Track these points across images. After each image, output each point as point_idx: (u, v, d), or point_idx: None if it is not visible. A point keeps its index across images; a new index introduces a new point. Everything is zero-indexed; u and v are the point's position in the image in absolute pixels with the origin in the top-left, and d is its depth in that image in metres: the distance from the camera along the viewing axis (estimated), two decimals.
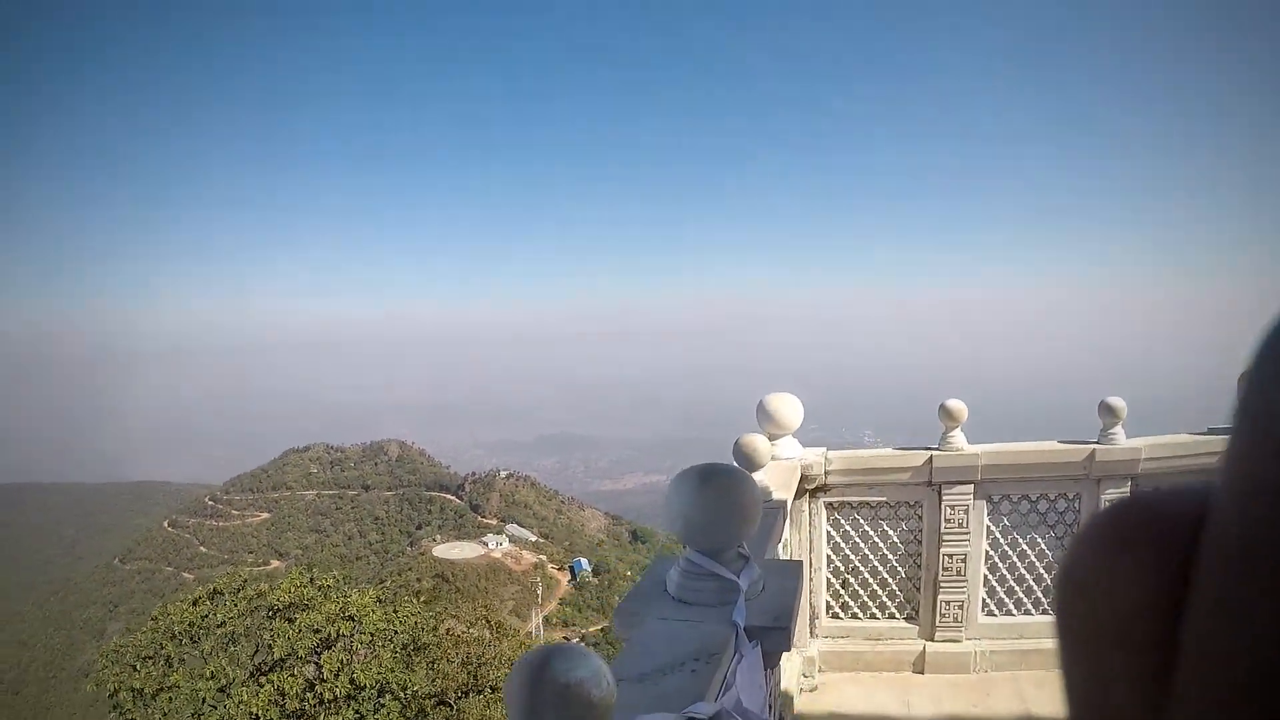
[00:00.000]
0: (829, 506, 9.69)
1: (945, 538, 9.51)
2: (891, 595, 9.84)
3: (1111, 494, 9.32)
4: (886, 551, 9.75)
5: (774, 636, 4.00)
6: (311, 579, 21.08)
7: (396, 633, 20.22)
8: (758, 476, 7.15)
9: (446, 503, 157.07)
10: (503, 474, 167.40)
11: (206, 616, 19.54)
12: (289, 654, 18.78)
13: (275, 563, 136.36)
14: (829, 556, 9.78)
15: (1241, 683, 0.74)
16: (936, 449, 9.56)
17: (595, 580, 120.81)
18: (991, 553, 9.72)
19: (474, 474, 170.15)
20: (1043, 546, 9.63)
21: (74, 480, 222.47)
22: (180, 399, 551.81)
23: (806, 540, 9.52)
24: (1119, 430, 9.56)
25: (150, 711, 17.98)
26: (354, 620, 19.63)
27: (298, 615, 19.49)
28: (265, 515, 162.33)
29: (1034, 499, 9.63)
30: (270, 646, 19.22)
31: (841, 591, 9.86)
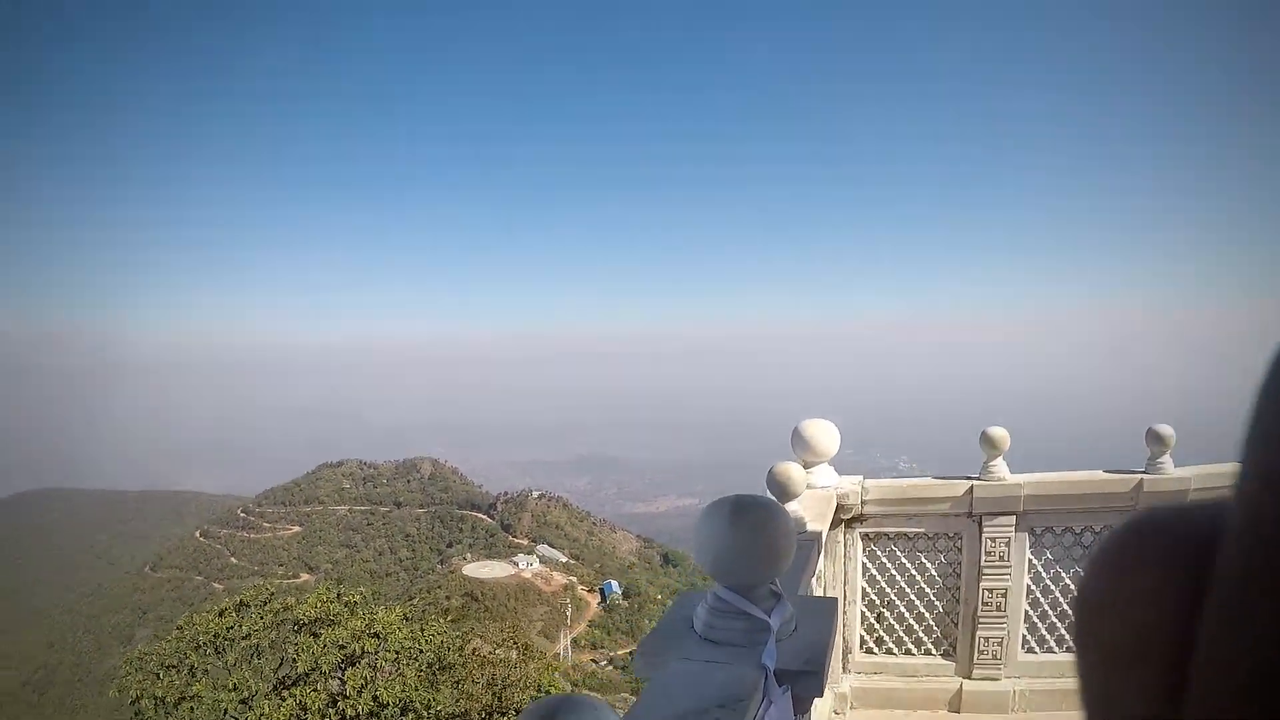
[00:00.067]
0: (865, 537, 9.39)
1: (985, 571, 9.17)
2: (928, 630, 9.51)
3: None
4: (924, 585, 9.43)
5: (806, 681, 3.72)
6: (338, 595, 20.98)
7: (422, 651, 20.02)
8: (792, 507, 6.89)
9: (478, 521, 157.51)
10: (535, 494, 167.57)
11: (232, 628, 19.50)
12: (312, 669, 18.65)
13: (305, 576, 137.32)
14: (864, 589, 9.46)
15: (1243, 684, 0.79)
16: (977, 478, 9.25)
17: (625, 603, 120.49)
18: (1033, 587, 9.37)
19: (506, 493, 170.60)
20: None
21: (111, 487, 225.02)
22: (219, 411, 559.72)
23: (841, 572, 9.23)
24: (1167, 459, 9.22)
25: None
26: (379, 637, 19.48)
27: (323, 630, 19.39)
28: (297, 529, 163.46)
29: (1078, 531, 9.29)
30: (294, 660, 19.07)
31: (876, 626, 9.54)
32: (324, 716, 18.17)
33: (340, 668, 19.11)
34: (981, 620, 9.22)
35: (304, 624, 19.89)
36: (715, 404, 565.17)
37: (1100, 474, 9.41)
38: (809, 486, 8.12)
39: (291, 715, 17.69)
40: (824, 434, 8.69)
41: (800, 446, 8.67)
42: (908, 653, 9.56)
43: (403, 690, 18.75)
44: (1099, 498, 9.20)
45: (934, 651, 9.54)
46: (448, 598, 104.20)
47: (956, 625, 9.42)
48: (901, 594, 9.44)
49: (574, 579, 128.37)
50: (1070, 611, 9.15)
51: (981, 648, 9.28)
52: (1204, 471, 9.24)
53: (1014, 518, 9.14)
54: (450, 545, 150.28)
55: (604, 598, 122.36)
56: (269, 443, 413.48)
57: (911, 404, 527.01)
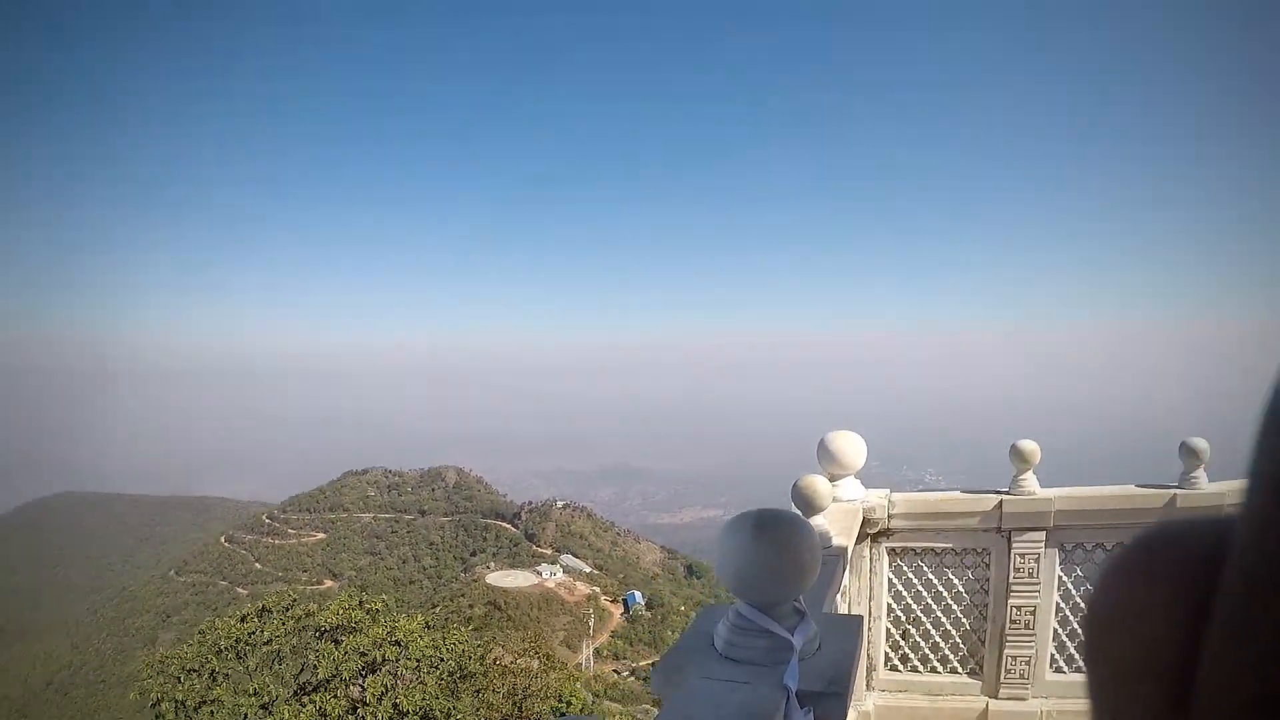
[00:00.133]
0: (891, 552, 9.22)
1: (1014, 588, 8.98)
2: (954, 648, 9.33)
3: None
4: (950, 601, 9.25)
5: (828, 703, 3.57)
6: (360, 602, 20.96)
7: (443, 659, 19.96)
8: (817, 521, 6.75)
9: (502, 530, 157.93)
10: (559, 504, 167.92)
11: (253, 633, 19.53)
12: (333, 675, 18.67)
13: (329, 583, 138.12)
14: (889, 605, 9.29)
15: (1246, 699, 0.81)
16: (1007, 493, 9.06)
17: (648, 614, 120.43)
18: (1063, 605, 9.17)
19: (530, 503, 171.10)
20: None
21: (138, 492, 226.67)
22: (246, 418, 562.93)
23: (866, 588, 9.08)
24: (1201, 474, 9.02)
25: None
26: (400, 645, 19.47)
27: (344, 637, 19.40)
28: (321, 535, 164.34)
29: (1109, 547, 9.06)
30: (315, 667, 19.12)
31: (901, 643, 9.37)
32: None
33: (360, 675, 19.11)
34: (1009, 638, 9.04)
35: (325, 630, 19.94)
36: (742, 415, 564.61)
37: (1133, 489, 9.21)
38: (835, 500, 7.98)
39: None
40: (850, 446, 8.54)
41: (826, 459, 8.53)
42: (933, 671, 9.38)
43: (423, 698, 18.71)
44: (1131, 513, 8.99)
45: (960, 670, 9.36)
46: (471, 606, 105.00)
47: (984, 643, 9.23)
48: (928, 610, 9.27)
49: (597, 589, 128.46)
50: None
51: (1009, 666, 9.09)
52: (1239, 486, 9.01)
53: (1044, 533, 8.95)
54: (474, 554, 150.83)
55: (627, 608, 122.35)
56: (295, 450, 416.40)
57: (938, 416, 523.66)
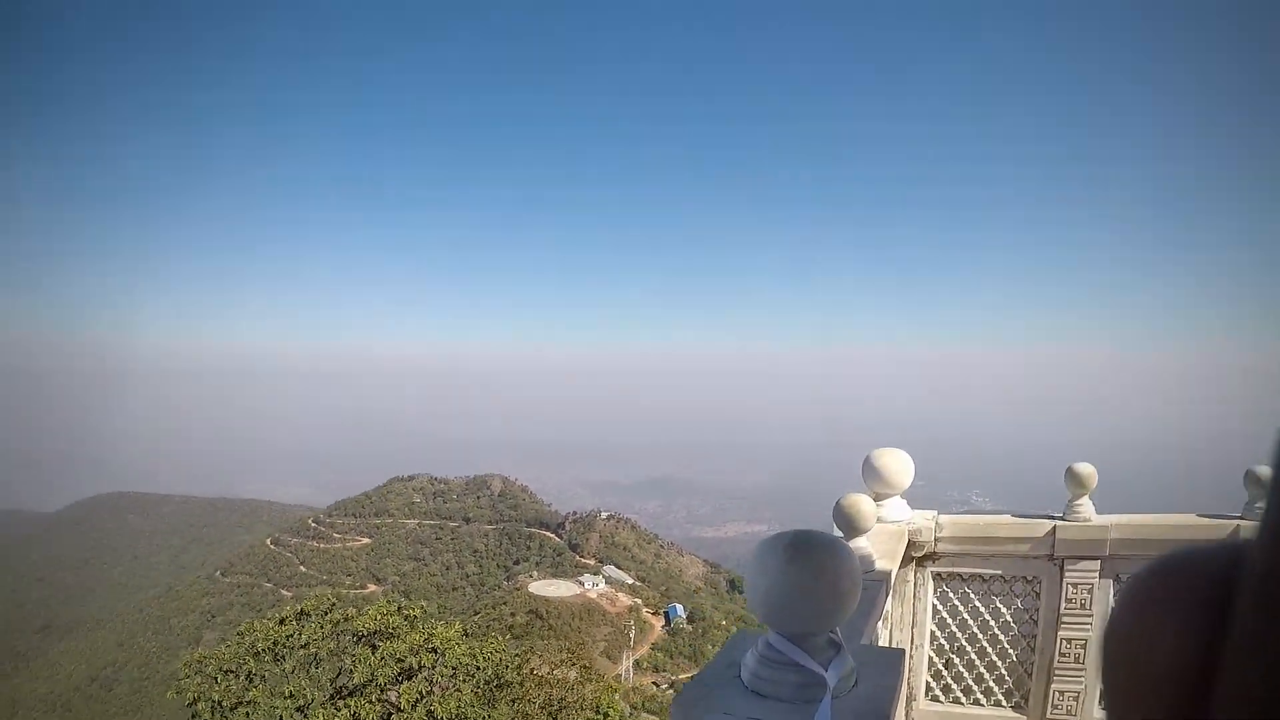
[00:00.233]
0: (937, 577, 8.89)
1: (1065, 619, 8.60)
2: (999, 680, 8.95)
3: None
4: (997, 630, 8.88)
5: None
6: (399, 608, 20.92)
7: (479, 668, 19.82)
8: (860, 543, 6.46)
9: (546, 540, 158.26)
10: (603, 515, 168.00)
11: (291, 636, 19.63)
12: (369, 681, 18.66)
13: (372, 587, 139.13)
14: (933, 632, 8.94)
15: (1257, 714, 0.84)
16: (1061, 518, 8.70)
17: (689, 627, 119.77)
18: None
19: (575, 513, 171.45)
20: None
21: (188, 493, 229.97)
22: (294, 422, 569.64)
23: (910, 614, 8.75)
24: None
25: None
26: (436, 652, 19.38)
27: (381, 643, 19.36)
28: (366, 540, 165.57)
29: None
30: (351, 672, 19.18)
31: (944, 672, 9.01)
32: None
33: (397, 681, 19.06)
34: (1057, 672, 8.64)
35: (363, 635, 19.97)
36: (790, 430, 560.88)
37: (1194, 518, 8.79)
38: (879, 520, 7.72)
39: None
40: (897, 465, 8.26)
41: (871, 477, 8.26)
42: (976, 703, 9.00)
43: (458, 706, 18.59)
44: None
45: (1004, 703, 8.97)
46: (513, 614, 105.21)
47: (1030, 676, 8.84)
48: (973, 639, 8.90)
49: (639, 601, 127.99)
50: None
51: (1056, 701, 8.70)
52: None
53: (1098, 562, 8.55)
54: (517, 562, 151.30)
55: (668, 621, 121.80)
56: (342, 455, 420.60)
57: (986, 436, 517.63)
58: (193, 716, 18.43)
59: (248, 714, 17.99)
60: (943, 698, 9.04)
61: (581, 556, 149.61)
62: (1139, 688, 0.85)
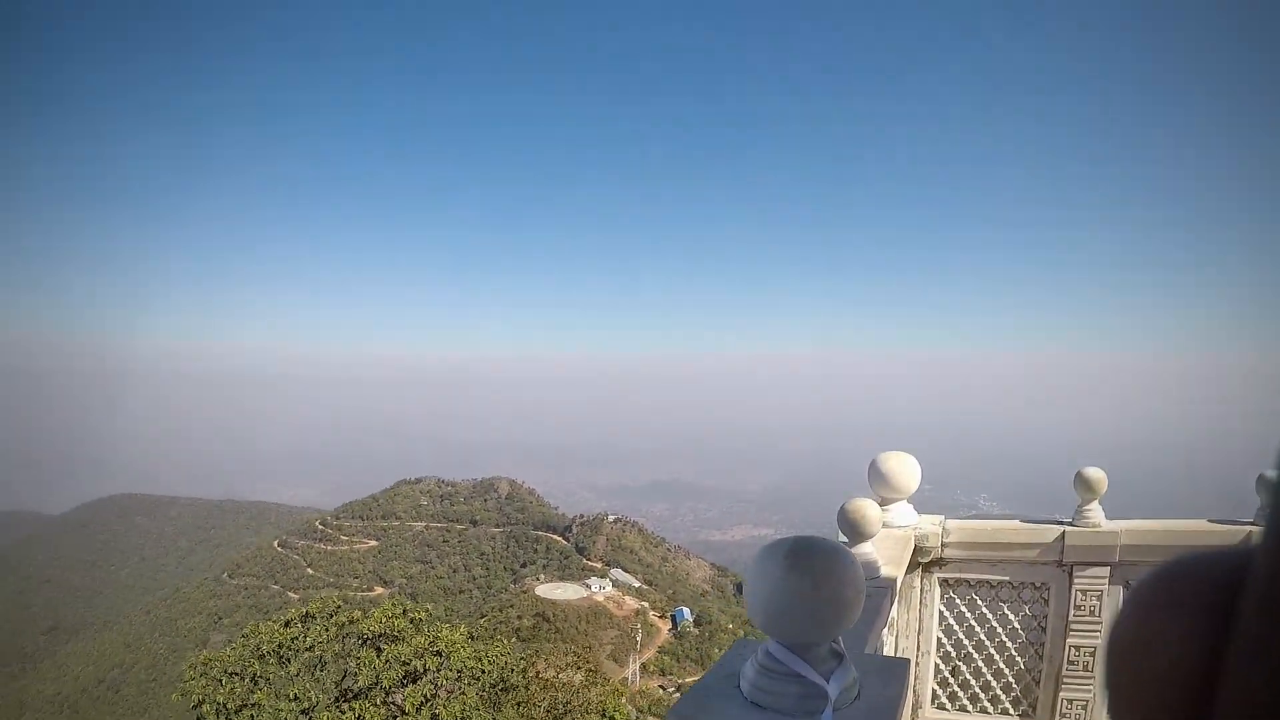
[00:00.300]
0: (943, 583, 8.79)
1: (1073, 626, 8.49)
2: (1006, 688, 8.85)
3: None
4: (1005, 638, 8.78)
5: None
6: (404, 611, 20.92)
7: (484, 671, 19.78)
8: (865, 549, 6.36)
9: (552, 543, 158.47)
10: (610, 518, 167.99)
11: (296, 639, 19.71)
12: (373, 684, 18.69)
13: (379, 590, 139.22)
14: (940, 639, 8.84)
15: (1259, 717, 0.86)
16: (1070, 523, 8.59)
17: (696, 630, 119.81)
18: None
19: (582, 516, 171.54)
20: None
21: (195, 495, 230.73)
22: (302, 425, 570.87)
23: (916, 620, 8.65)
24: None
25: None
26: (441, 656, 19.35)
27: (386, 646, 19.37)
28: (373, 543, 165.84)
29: None
30: (356, 674, 19.15)
31: (950, 679, 8.91)
32: None
33: (401, 684, 19.03)
34: (1066, 680, 8.54)
35: (368, 638, 19.97)
36: (797, 434, 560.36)
37: (1205, 524, 8.69)
38: (885, 525, 7.61)
39: None
40: (904, 469, 8.15)
41: (878, 482, 8.16)
42: (983, 711, 8.90)
43: (462, 710, 18.57)
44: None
45: (1011, 711, 8.88)
46: (519, 617, 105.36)
47: (1038, 684, 8.74)
48: (980, 646, 8.80)
49: (646, 604, 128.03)
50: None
51: (1064, 710, 8.60)
52: None
53: (1108, 569, 8.45)
54: (524, 565, 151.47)
55: (675, 624, 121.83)
56: (349, 458, 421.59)
57: (994, 439, 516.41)
58: (198, 719, 18.46)
59: (252, 716, 18.06)
60: (949, 705, 8.94)
61: (588, 559, 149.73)
62: (1143, 691, 0.87)
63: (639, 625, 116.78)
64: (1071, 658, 8.46)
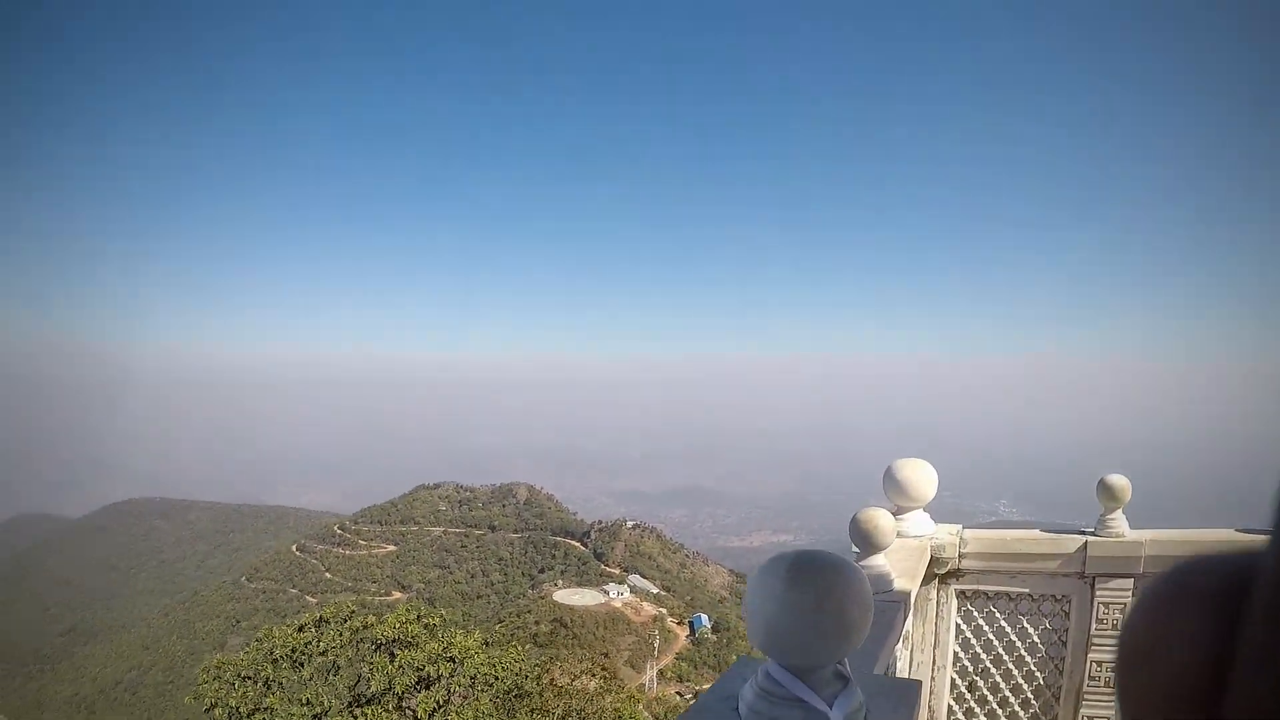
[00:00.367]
0: (961, 595, 8.52)
1: (1095, 640, 8.22)
2: (1025, 704, 8.57)
3: None
4: (1024, 652, 8.51)
5: None
6: (418, 616, 20.79)
7: (498, 678, 19.64)
8: (877, 560, 6.11)
9: (571, 549, 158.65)
10: (629, 524, 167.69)
11: (310, 643, 19.66)
12: (386, 689, 18.57)
13: (397, 594, 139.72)
14: (956, 654, 8.57)
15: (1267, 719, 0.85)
16: (1093, 533, 8.32)
17: (714, 637, 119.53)
18: None
19: (600, 522, 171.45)
20: None
21: (214, 499, 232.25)
22: (321, 431, 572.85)
23: (931, 633, 8.39)
24: None
25: None
26: (455, 662, 19.21)
27: (400, 651, 19.26)
28: (392, 547, 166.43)
29: None
30: (369, 680, 19.08)
31: (967, 695, 8.64)
32: None
33: (414, 690, 18.92)
34: (1087, 696, 8.27)
35: (382, 644, 19.90)
36: (816, 440, 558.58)
37: (1232, 533, 8.39)
38: (900, 535, 7.37)
39: None
40: (920, 476, 7.90)
41: (893, 489, 7.92)
42: None
43: (475, 716, 18.46)
44: None
45: None
46: (537, 623, 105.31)
47: (1058, 700, 8.47)
48: (998, 661, 8.53)
49: (664, 610, 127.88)
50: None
51: None
52: None
53: (1132, 580, 8.16)
54: (542, 571, 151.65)
55: (693, 630, 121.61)
56: (367, 462, 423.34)
57: (1014, 445, 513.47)
58: None
59: None
60: None
61: (606, 565, 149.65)
62: (1151, 690, 0.87)
63: (656, 631, 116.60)
64: (1093, 673, 8.19)
